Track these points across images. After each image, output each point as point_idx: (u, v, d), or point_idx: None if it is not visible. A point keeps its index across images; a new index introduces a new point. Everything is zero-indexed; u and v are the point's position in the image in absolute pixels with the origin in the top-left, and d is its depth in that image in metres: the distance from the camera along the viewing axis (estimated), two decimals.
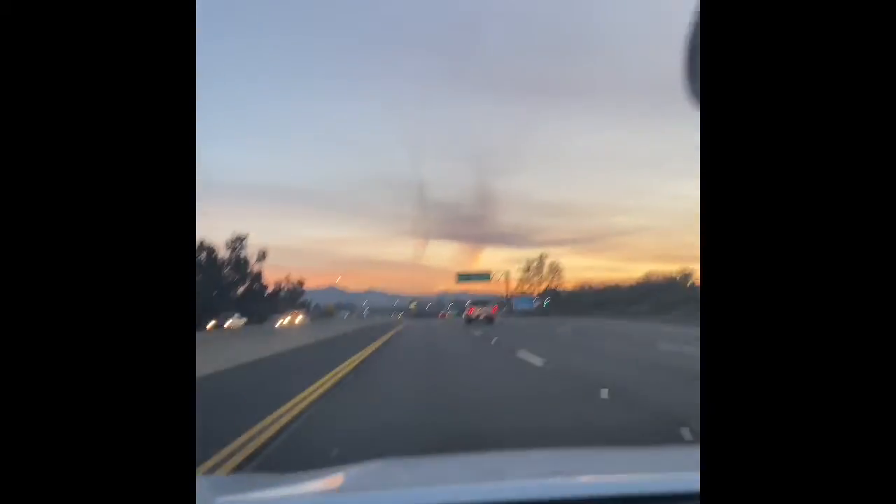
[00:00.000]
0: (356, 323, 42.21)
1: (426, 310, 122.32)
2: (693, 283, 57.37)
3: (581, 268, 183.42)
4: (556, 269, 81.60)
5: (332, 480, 1.66)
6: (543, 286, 79.41)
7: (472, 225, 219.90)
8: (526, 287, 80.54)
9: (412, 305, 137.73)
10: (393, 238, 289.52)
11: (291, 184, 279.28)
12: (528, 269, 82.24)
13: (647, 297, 51.30)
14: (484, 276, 79.54)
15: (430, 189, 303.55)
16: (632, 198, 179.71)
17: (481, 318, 33.18)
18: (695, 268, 61.02)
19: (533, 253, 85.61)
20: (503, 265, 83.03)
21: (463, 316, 38.68)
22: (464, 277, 79.71)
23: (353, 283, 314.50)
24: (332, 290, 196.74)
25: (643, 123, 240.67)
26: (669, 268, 62.61)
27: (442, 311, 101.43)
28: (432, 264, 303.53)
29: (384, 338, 20.91)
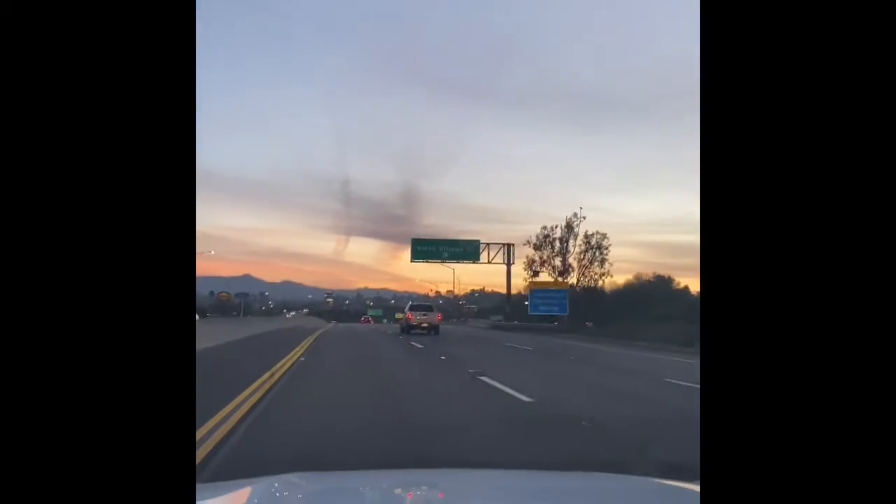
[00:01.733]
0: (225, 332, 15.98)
1: (344, 307, 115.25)
2: (683, 287, 45.01)
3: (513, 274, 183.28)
4: (598, 247, 40.19)
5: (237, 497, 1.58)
6: (574, 277, 40.57)
7: (396, 224, 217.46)
8: (541, 276, 40.97)
9: (328, 300, 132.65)
10: (313, 231, 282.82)
11: (207, 168, 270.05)
12: (541, 245, 41.13)
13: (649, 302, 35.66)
14: (468, 248, 40.87)
15: (354, 185, 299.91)
16: (559, 209, 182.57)
17: (423, 325, 27.05)
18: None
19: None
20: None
21: (402, 322, 30.36)
22: (424, 249, 41.01)
23: (269, 273, 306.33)
24: (247, 279, 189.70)
25: (576, 138, 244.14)
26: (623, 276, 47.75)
27: (364, 316, 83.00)
28: (353, 260, 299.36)
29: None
